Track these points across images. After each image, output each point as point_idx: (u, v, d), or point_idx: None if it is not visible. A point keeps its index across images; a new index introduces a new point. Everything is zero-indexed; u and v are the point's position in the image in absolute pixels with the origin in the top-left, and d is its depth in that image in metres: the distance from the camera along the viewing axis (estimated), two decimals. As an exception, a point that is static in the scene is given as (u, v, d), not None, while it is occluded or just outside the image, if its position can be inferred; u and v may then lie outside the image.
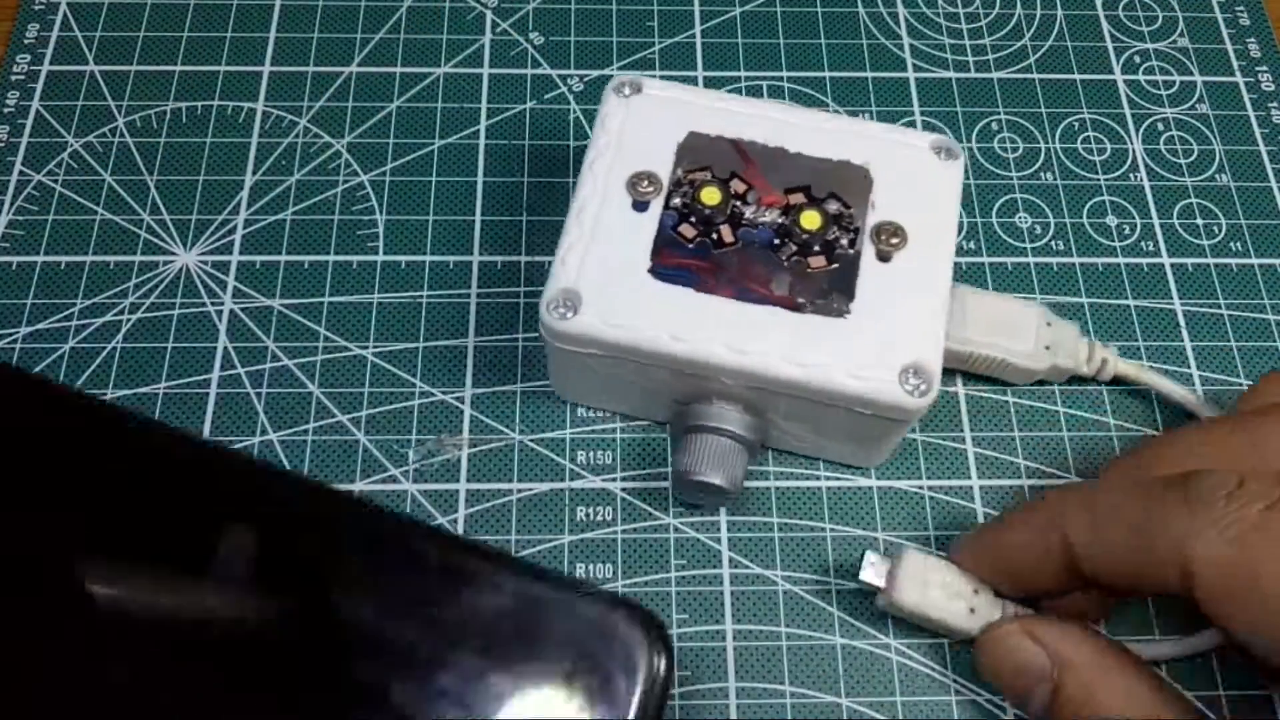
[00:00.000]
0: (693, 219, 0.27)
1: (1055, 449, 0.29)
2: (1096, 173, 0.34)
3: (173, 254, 0.31)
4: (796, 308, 0.26)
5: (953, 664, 0.26)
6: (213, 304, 0.31)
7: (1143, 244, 0.33)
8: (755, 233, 0.27)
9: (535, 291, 0.31)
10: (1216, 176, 0.34)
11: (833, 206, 0.27)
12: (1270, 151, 0.34)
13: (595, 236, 0.26)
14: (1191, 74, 0.36)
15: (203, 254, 0.31)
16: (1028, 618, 0.25)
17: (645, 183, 0.27)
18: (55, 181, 0.32)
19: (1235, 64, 0.36)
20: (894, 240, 0.26)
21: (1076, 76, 0.36)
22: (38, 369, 0.29)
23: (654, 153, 0.27)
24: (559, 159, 0.33)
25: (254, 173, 0.33)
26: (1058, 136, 0.34)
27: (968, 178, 0.33)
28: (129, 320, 0.30)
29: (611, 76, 0.30)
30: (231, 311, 0.31)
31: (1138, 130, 0.35)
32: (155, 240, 0.32)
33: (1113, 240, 0.33)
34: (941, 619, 0.25)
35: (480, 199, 0.33)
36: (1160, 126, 0.35)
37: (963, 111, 0.35)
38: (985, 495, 0.29)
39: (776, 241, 0.27)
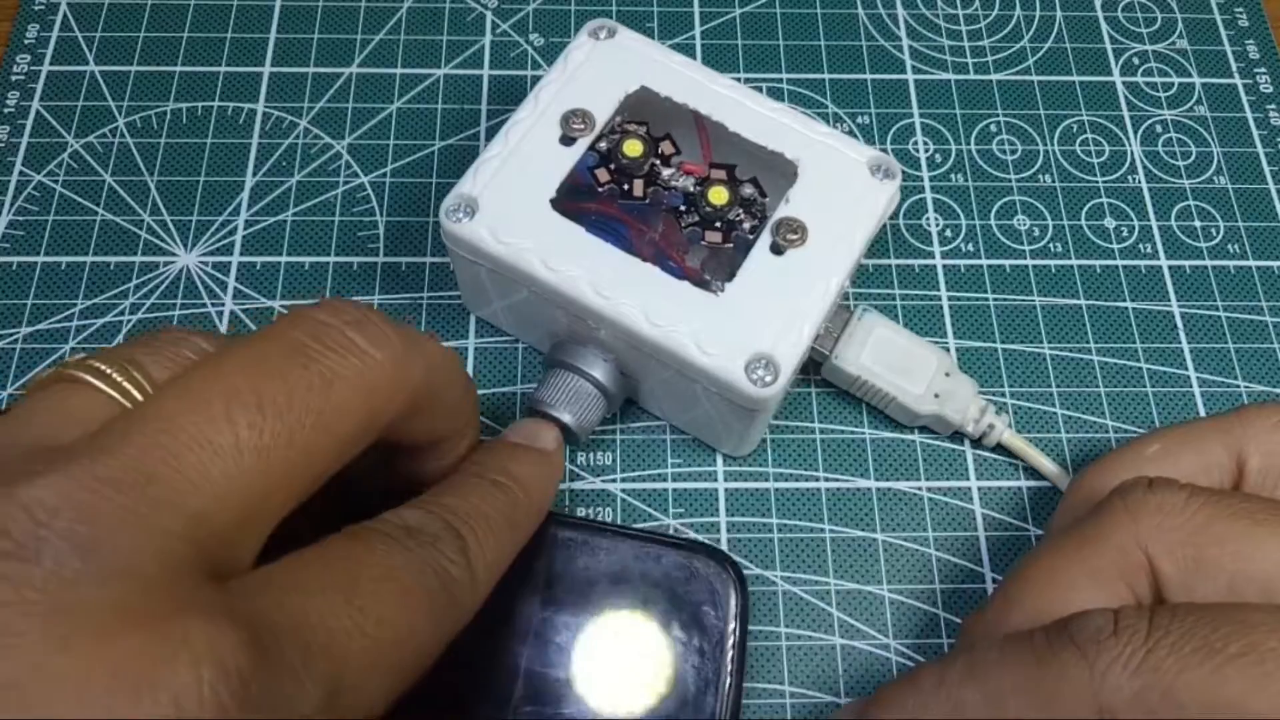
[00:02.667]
0: (611, 166, 0.28)
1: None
2: (1095, 175, 0.34)
3: (173, 255, 0.31)
4: (678, 273, 0.26)
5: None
6: (213, 305, 0.31)
7: (1141, 246, 0.33)
8: (666, 195, 0.28)
9: (535, 293, 0.31)
10: (1215, 178, 0.34)
11: (748, 190, 0.28)
12: (1268, 153, 0.34)
13: (514, 156, 0.27)
14: (1190, 76, 0.36)
15: (203, 255, 0.31)
16: None
17: (580, 120, 0.28)
18: (55, 182, 0.32)
19: (1234, 66, 0.36)
20: (792, 236, 0.27)
21: (1075, 78, 0.36)
22: (38, 369, 0.30)
23: (600, 96, 0.28)
24: (559, 160, 0.33)
25: (254, 174, 0.33)
26: (1056, 138, 0.34)
27: (966, 179, 0.33)
28: (129, 321, 0.30)
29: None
30: (232, 312, 0.31)
31: (1136, 132, 0.35)
32: (156, 241, 0.32)
33: (1111, 242, 0.33)
34: None
35: (480, 200, 0.33)
36: (1159, 128, 0.35)
37: (961, 113, 0.35)
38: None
39: (682, 208, 0.28)
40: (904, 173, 0.33)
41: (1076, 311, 0.31)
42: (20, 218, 0.32)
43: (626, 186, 0.28)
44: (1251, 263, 0.33)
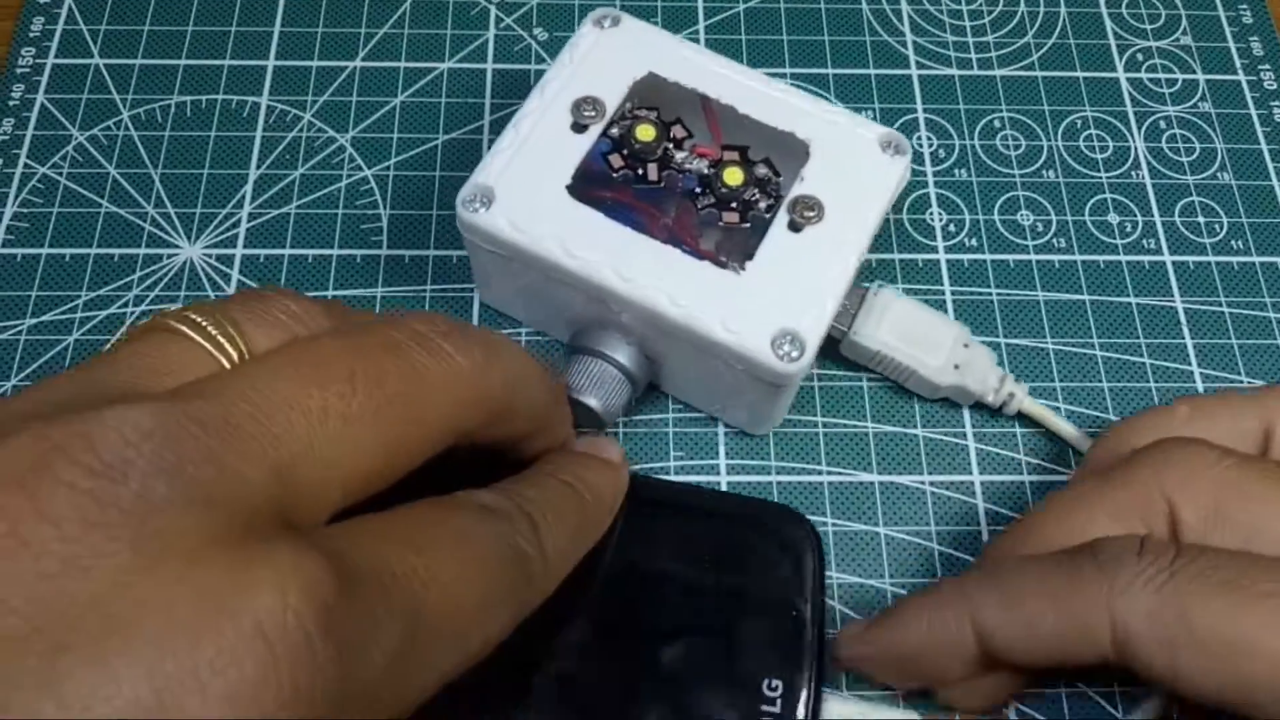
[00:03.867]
0: (624, 151, 0.28)
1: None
2: (1099, 170, 0.34)
3: (177, 247, 0.32)
4: (696, 254, 0.26)
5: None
6: (217, 297, 0.31)
7: (1144, 242, 0.33)
8: (680, 178, 0.28)
9: (538, 286, 0.31)
10: (1218, 174, 0.34)
11: (762, 171, 0.28)
12: (1272, 150, 0.34)
13: (527, 145, 0.27)
14: (1194, 72, 0.36)
15: (207, 247, 0.32)
16: None
17: (590, 108, 0.28)
18: (60, 174, 0.32)
19: (1238, 62, 0.36)
20: (809, 214, 0.27)
21: (1079, 74, 0.36)
22: (41, 361, 0.30)
23: (608, 83, 0.28)
24: (562, 154, 0.33)
25: (258, 166, 0.33)
26: (1060, 134, 0.34)
27: (969, 175, 0.33)
28: (133, 313, 0.30)
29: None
30: (235, 305, 0.31)
31: (1140, 128, 0.35)
32: (159, 233, 0.32)
33: (1114, 238, 0.33)
34: None
35: (484, 194, 0.33)
36: (1162, 124, 0.35)
37: (965, 109, 0.35)
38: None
39: (697, 190, 0.28)
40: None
41: (1080, 307, 0.31)
42: (25, 210, 0.32)
43: (641, 171, 0.28)
44: (1255, 258, 0.33)
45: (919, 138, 0.34)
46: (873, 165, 0.28)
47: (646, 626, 0.24)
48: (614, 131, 0.28)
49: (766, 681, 0.24)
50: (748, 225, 0.28)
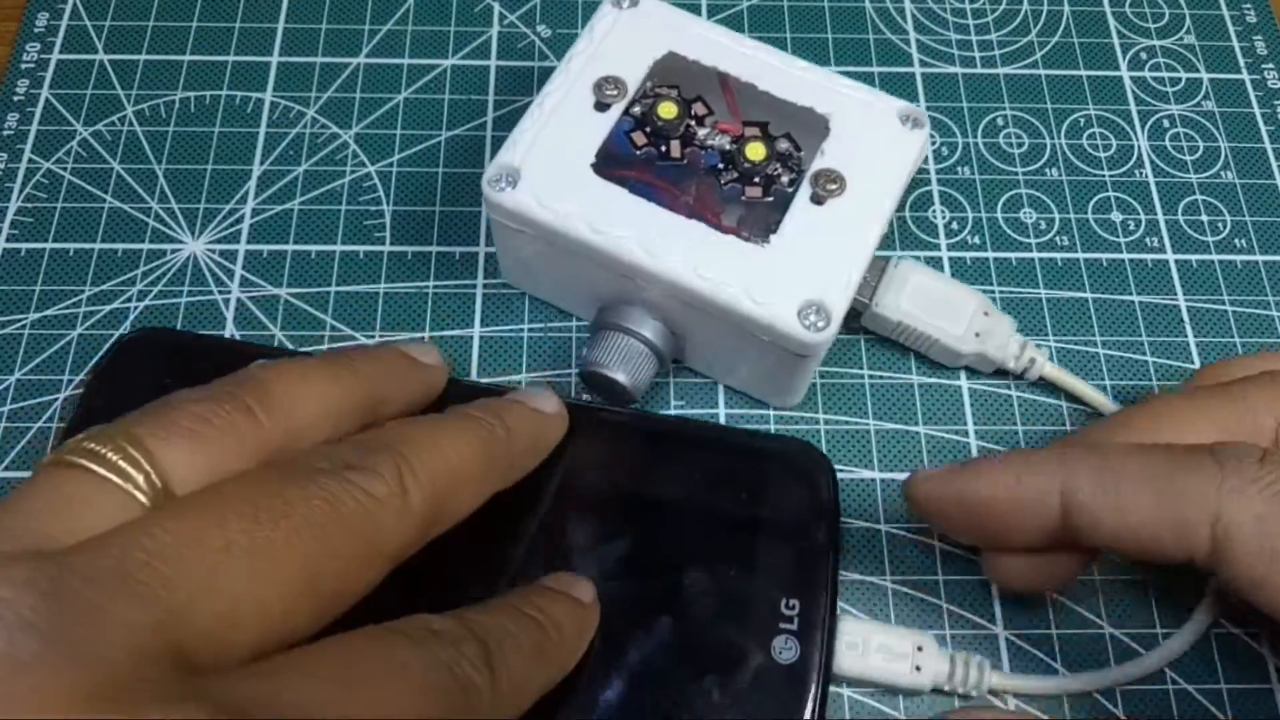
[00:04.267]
0: (647, 129, 0.28)
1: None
2: (1102, 169, 0.34)
3: (180, 242, 0.32)
4: (721, 228, 0.27)
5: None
6: (220, 292, 0.31)
7: (1147, 240, 0.33)
8: (703, 154, 0.29)
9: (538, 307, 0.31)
10: (1222, 173, 0.34)
11: (783, 145, 0.29)
12: (1275, 149, 0.34)
13: (550, 125, 0.28)
14: (1198, 71, 0.36)
15: (210, 243, 0.32)
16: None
17: (611, 87, 0.28)
18: (64, 169, 0.32)
19: (1241, 61, 0.36)
20: (831, 186, 0.27)
21: (1083, 72, 0.36)
22: (45, 355, 0.30)
23: (629, 62, 0.29)
24: (565, 151, 0.33)
25: (262, 162, 0.33)
26: (1063, 132, 0.34)
27: (972, 172, 0.33)
28: (137, 308, 0.30)
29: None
30: (239, 300, 0.31)
31: (1143, 126, 0.35)
32: (163, 228, 0.32)
33: (1117, 236, 0.33)
34: (887, 681, 0.26)
35: (487, 190, 0.33)
36: (1166, 123, 0.35)
37: (968, 106, 0.35)
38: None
39: (720, 166, 0.28)
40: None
41: (1083, 304, 0.31)
42: (29, 204, 0.32)
43: (664, 148, 0.28)
44: (1258, 257, 0.32)
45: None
46: (892, 138, 0.28)
47: (670, 554, 0.25)
48: (636, 110, 0.29)
49: (785, 601, 0.25)
50: (770, 199, 0.28)
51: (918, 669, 0.25)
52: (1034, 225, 0.33)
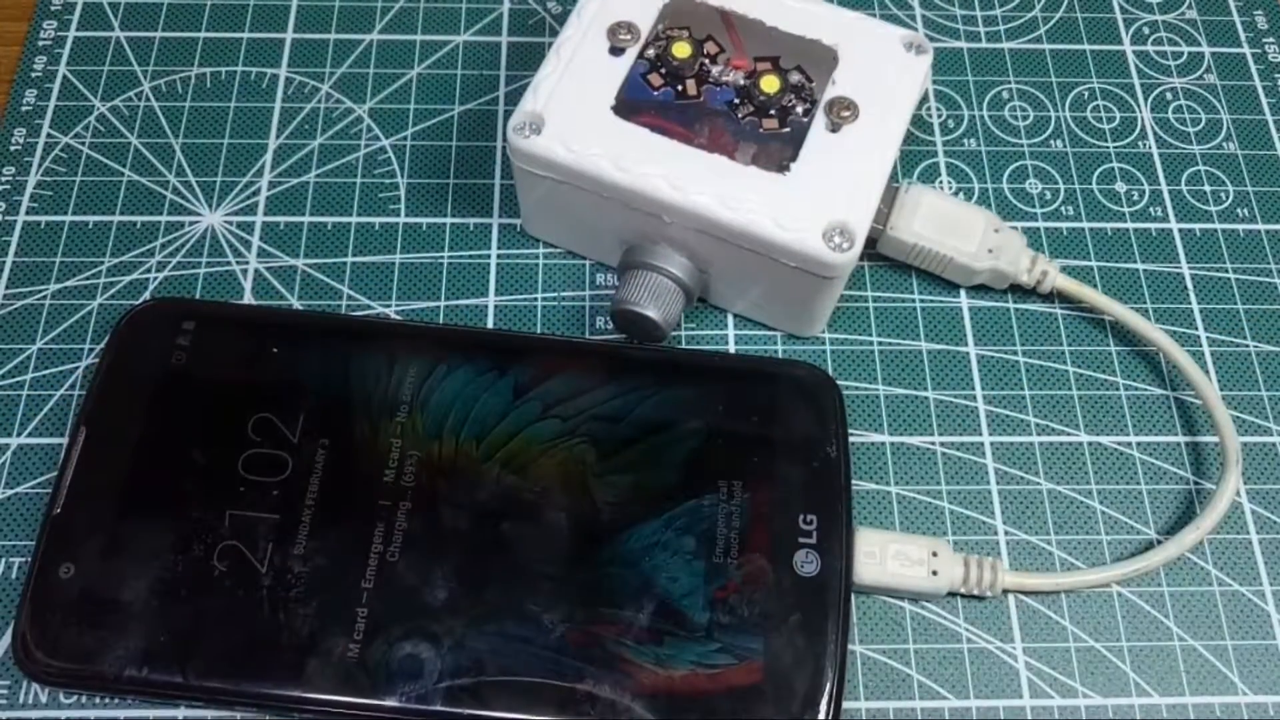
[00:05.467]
0: (662, 70, 0.29)
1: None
2: (1106, 140, 0.34)
3: (198, 215, 0.32)
4: (743, 160, 0.28)
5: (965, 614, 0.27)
6: (238, 263, 0.31)
7: (1151, 210, 0.33)
8: (718, 91, 0.29)
9: (553, 256, 0.32)
10: (1224, 144, 0.34)
11: (795, 78, 0.29)
12: (1277, 120, 0.35)
13: (569, 71, 0.29)
14: (1199, 45, 0.36)
15: (228, 215, 0.32)
16: None
17: (624, 31, 0.29)
18: (82, 144, 0.33)
19: (1242, 35, 0.37)
20: (845, 113, 0.28)
21: (1086, 47, 0.36)
22: (65, 325, 0.30)
23: (639, 7, 0.30)
24: (577, 124, 0.34)
25: (277, 136, 0.33)
26: (1067, 105, 0.35)
27: (979, 144, 0.34)
28: (156, 279, 0.31)
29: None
30: (256, 271, 0.31)
31: (1146, 99, 0.35)
32: (181, 201, 0.32)
33: (1122, 206, 0.33)
34: (906, 587, 0.26)
35: (499, 164, 0.33)
36: (1169, 96, 0.35)
37: (974, 80, 0.35)
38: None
39: (736, 101, 0.29)
40: (917, 137, 0.34)
41: (1088, 273, 0.32)
42: (48, 178, 0.32)
43: (680, 87, 0.29)
44: (1260, 226, 0.33)
45: (928, 108, 0.34)
46: (899, 65, 0.29)
47: (691, 480, 0.26)
48: (650, 53, 0.29)
49: (802, 517, 0.26)
50: (786, 130, 0.29)
51: (934, 574, 0.26)
52: (1039, 196, 0.33)
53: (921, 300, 0.31)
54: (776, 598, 0.25)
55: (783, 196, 0.27)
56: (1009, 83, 0.35)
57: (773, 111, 0.29)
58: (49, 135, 0.33)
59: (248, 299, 0.31)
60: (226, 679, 0.24)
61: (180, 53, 0.35)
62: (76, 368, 0.30)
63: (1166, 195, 0.33)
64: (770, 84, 0.29)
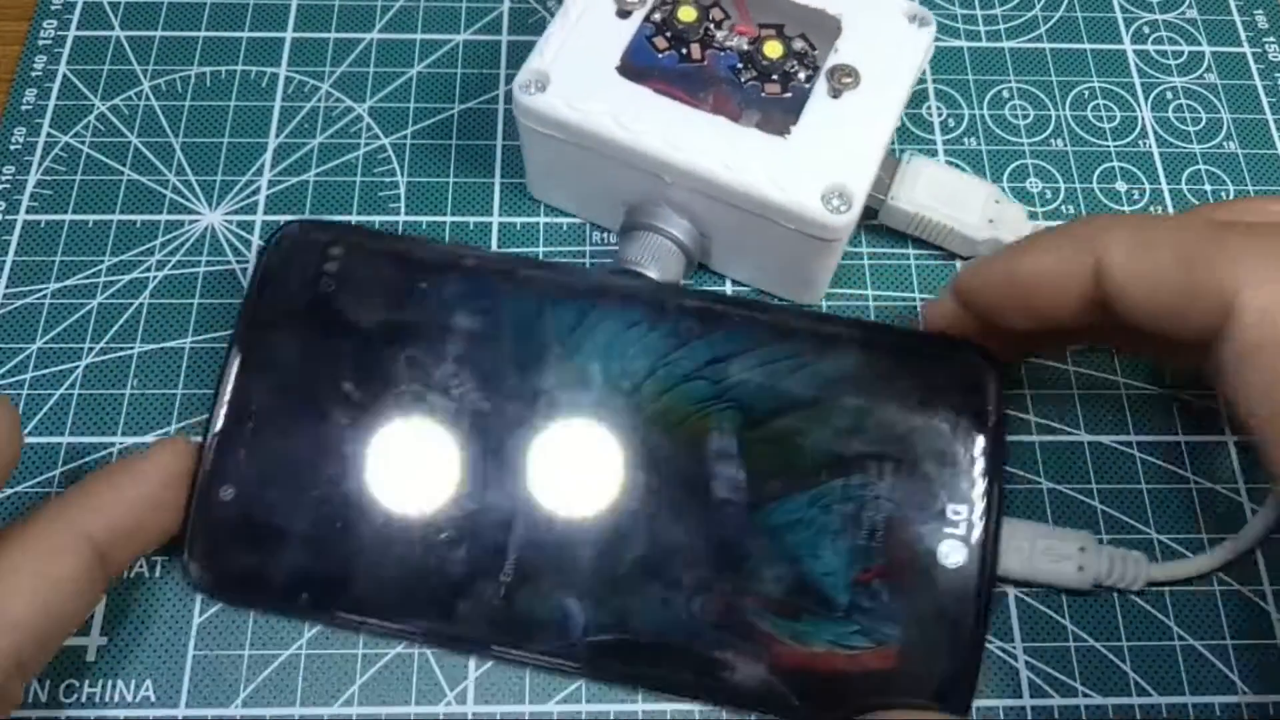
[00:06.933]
0: (667, 34, 0.30)
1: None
2: (1106, 139, 0.34)
3: (198, 213, 0.32)
4: (744, 123, 0.28)
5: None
6: (238, 262, 0.31)
7: (1152, 209, 0.33)
8: (722, 55, 0.30)
9: (554, 250, 0.32)
10: (1224, 144, 0.34)
11: (798, 45, 0.30)
12: (1277, 120, 0.35)
13: (575, 32, 0.29)
14: (1200, 44, 0.36)
15: (228, 214, 0.32)
16: None
17: None
18: (82, 143, 0.33)
19: (1243, 35, 0.37)
20: (846, 80, 0.29)
21: (1086, 46, 0.36)
22: (66, 323, 0.30)
23: None
24: (577, 123, 0.34)
25: (277, 135, 0.33)
26: (1068, 104, 0.35)
27: (979, 143, 0.34)
28: (156, 277, 0.31)
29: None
30: (256, 269, 0.31)
31: (1147, 98, 0.35)
32: (181, 200, 0.32)
33: (1122, 205, 0.33)
34: (1052, 582, 0.27)
35: (500, 162, 0.33)
36: (1169, 95, 0.35)
37: (974, 79, 0.35)
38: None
39: (739, 66, 0.29)
40: (918, 136, 0.34)
41: (1088, 272, 0.32)
42: (48, 177, 0.32)
43: (685, 51, 0.29)
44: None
45: (929, 107, 0.34)
46: (901, 36, 0.30)
47: (838, 460, 0.26)
48: (656, 17, 0.30)
49: (951, 506, 0.25)
50: (789, 95, 0.29)
51: (1080, 569, 0.26)
52: (1040, 194, 0.33)
53: (918, 265, 0.32)
54: (918, 586, 0.25)
55: (782, 159, 0.27)
56: (1009, 82, 0.35)
57: (775, 77, 0.29)
58: (49, 134, 0.33)
59: (247, 298, 0.31)
60: (378, 613, 0.25)
61: (180, 52, 0.35)
62: (77, 366, 0.30)
63: (1167, 194, 0.33)
64: (774, 49, 0.29)
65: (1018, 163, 0.34)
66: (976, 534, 0.25)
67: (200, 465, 0.26)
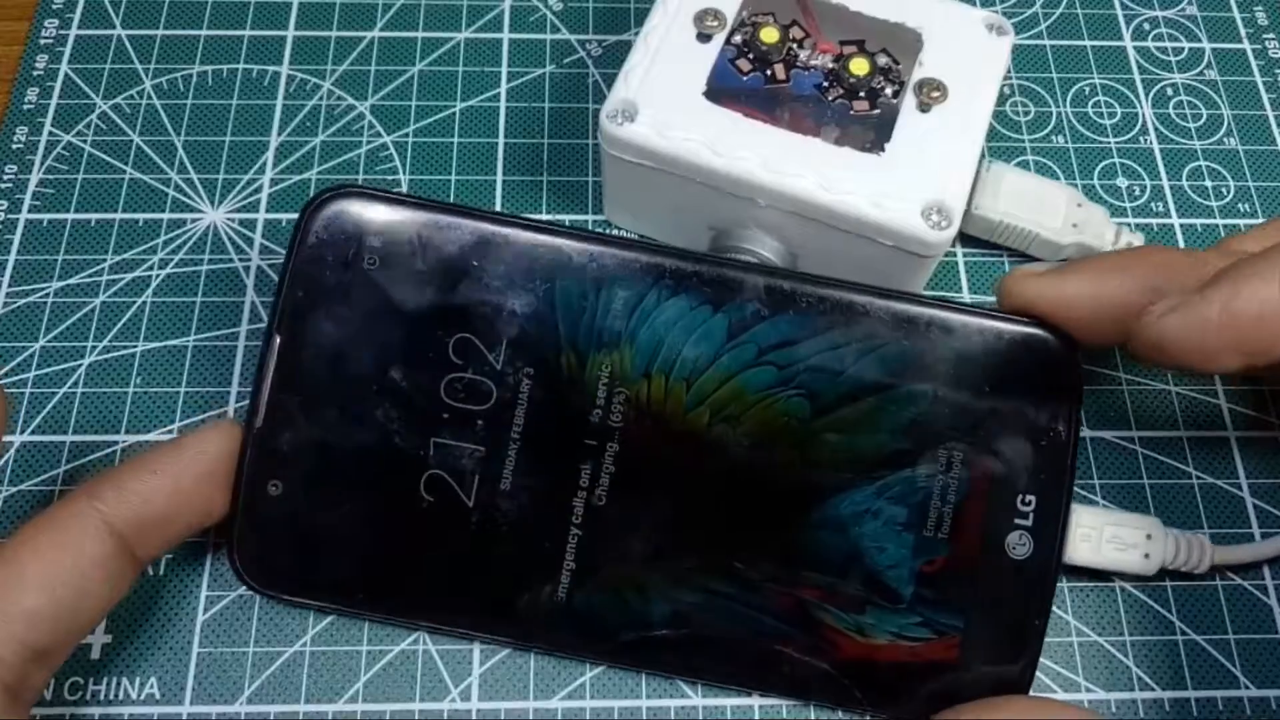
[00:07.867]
0: (750, 55, 0.29)
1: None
2: (1107, 136, 0.34)
3: (200, 212, 0.32)
4: (835, 142, 0.28)
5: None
6: (240, 260, 0.31)
7: (1153, 205, 0.33)
8: (807, 75, 0.29)
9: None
10: (1225, 140, 0.34)
11: (882, 60, 0.29)
12: (1277, 116, 0.35)
13: (658, 59, 0.29)
14: (1200, 41, 0.36)
15: (230, 212, 0.32)
16: None
17: (711, 18, 0.29)
18: (84, 142, 0.33)
19: (1243, 31, 0.37)
20: (935, 94, 0.28)
21: (1087, 42, 0.36)
22: (69, 322, 0.30)
23: None
24: (579, 121, 0.34)
25: (279, 134, 0.33)
26: (1069, 100, 0.35)
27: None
28: (158, 276, 0.31)
29: (630, 42, 0.30)
30: (259, 267, 0.31)
31: (1147, 95, 0.35)
32: (183, 198, 0.32)
33: (1123, 201, 0.33)
34: (1119, 569, 0.27)
35: (501, 160, 0.33)
36: (1170, 91, 0.35)
37: (975, 76, 0.35)
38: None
39: (825, 84, 0.29)
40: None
41: (1089, 268, 0.32)
42: (50, 176, 0.32)
43: (769, 72, 0.29)
44: (1262, 221, 0.33)
45: (930, 104, 0.34)
46: (982, 46, 0.29)
47: (910, 448, 0.25)
48: (736, 39, 0.29)
49: (1021, 497, 0.25)
50: (877, 112, 0.29)
51: (1146, 556, 0.26)
52: (1041, 191, 0.33)
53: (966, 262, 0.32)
54: (984, 578, 0.25)
55: (879, 177, 0.27)
56: (1010, 78, 0.35)
57: (862, 94, 0.29)
58: (51, 133, 0.33)
59: (250, 296, 0.31)
60: (433, 610, 0.25)
61: (181, 50, 0.35)
62: (80, 365, 0.30)
63: (1168, 190, 0.33)
64: (860, 66, 0.29)
65: (1018, 159, 0.34)
66: (1047, 525, 0.25)
67: (243, 459, 0.25)
